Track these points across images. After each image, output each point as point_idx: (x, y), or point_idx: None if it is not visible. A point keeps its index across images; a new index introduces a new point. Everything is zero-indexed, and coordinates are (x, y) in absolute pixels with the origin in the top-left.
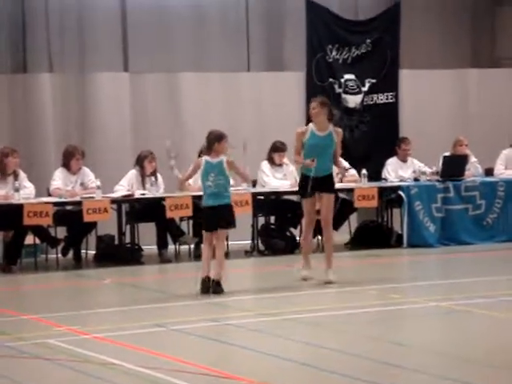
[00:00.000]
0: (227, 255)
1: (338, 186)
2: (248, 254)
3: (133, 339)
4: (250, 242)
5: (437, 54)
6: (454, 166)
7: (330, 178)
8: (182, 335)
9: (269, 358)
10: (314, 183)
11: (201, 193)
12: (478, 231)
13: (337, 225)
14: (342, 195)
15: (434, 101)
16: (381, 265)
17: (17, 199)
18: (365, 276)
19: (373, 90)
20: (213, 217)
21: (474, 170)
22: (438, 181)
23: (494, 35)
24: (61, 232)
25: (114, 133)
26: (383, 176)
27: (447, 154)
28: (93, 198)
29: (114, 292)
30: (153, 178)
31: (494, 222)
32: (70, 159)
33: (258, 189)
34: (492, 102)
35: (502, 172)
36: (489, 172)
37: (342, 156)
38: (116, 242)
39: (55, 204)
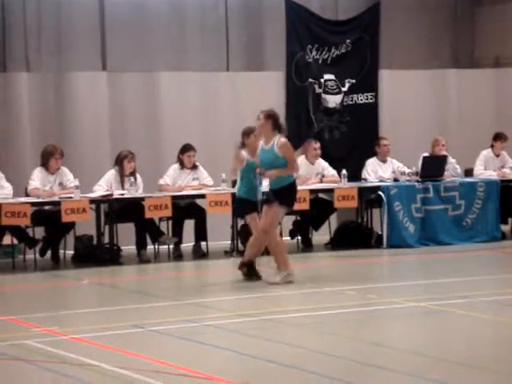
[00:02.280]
0: (206, 255)
1: (317, 186)
2: (228, 254)
3: (111, 340)
4: (229, 242)
5: (416, 55)
6: (433, 167)
7: (281, 191)
8: (160, 336)
9: (248, 359)
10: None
11: (180, 193)
12: (458, 231)
13: (317, 225)
14: (321, 195)
15: (414, 101)
16: (360, 265)
17: None
18: (344, 276)
19: (353, 90)
20: None
21: (452, 171)
22: (418, 181)
23: (473, 36)
24: (39, 232)
25: (92, 132)
26: (363, 176)
27: (426, 154)
28: (71, 198)
29: (93, 293)
30: (132, 178)
31: (474, 223)
32: (48, 159)
33: None
34: (471, 103)
35: (481, 172)
36: (468, 172)
37: (323, 156)
38: (95, 242)
39: (33, 204)
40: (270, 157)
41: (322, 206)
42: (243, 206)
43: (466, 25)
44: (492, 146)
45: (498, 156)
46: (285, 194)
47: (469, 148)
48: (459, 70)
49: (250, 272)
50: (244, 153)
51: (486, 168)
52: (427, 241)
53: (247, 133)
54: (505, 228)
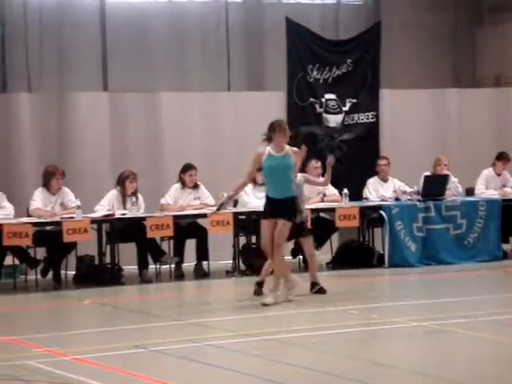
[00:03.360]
0: (208, 275)
1: (319, 205)
2: (229, 273)
3: (113, 360)
4: (231, 261)
5: (417, 74)
6: (434, 186)
7: (287, 201)
8: (162, 356)
9: (250, 379)
10: (272, 205)
11: (181, 212)
12: (459, 251)
13: (318, 244)
14: (323, 214)
15: (415, 120)
16: (362, 284)
17: None
18: (346, 296)
19: (354, 109)
20: None
21: (454, 190)
22: (419, 200)
23: (474, 55)
24: (40, 253)
25: (94, 152)
26: (364, 195)
27: (428, 173)
28: (73, 218)
29: (94, 313)
30: (133, 198)
31: (475, 242)
32: (50, 179)
33: (239, 208)
34: (472, 122)
35: (482, 191)
36: (470, 192)
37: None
38: (96, 262)
39: (35, 224)
40: (284, 164)
41: (323, 226)
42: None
43: (466, 44)
44: (493, 165)
45: (499, 175)
46: (290, 206)
47: (470, 167)
48: (460, 90)
49: (319, 290)
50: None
51: (488, 187)
52: (429, 260)
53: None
54: (506, 247)
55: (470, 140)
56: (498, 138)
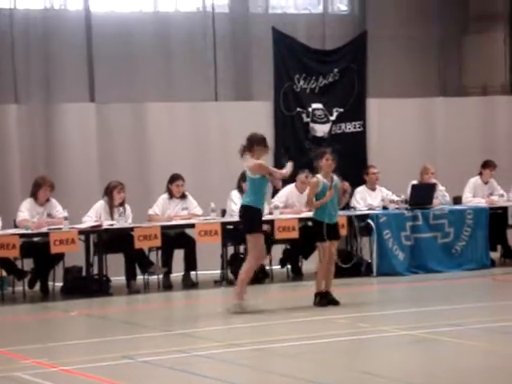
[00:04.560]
0: (196, 285)
1: (307, 214)
2: (217, 283)
3: (101, 371)
4: (219, 271)
5: (404, 83)
6: (422, 195)
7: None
8: (150, 367)
9: None
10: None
11: (169, 223)
12: (447, 259)
13: (307, 254)
14: (311, 224)
15: (402, 129)
16: (351, 293)
17: None
18: (333, 306)
19: (341, 119)
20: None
21: (441, 199)
22: (407, 209)
23: (460, 64)
24: (27, 264)
25: (81, 163)
26: (352, 205)
27: (415, 182)
28: (60, 229)
29: (82, 324)
30: (121, 209)
31: (463, 250)
32: (38, 190)
33: (227, 218)
34: (459, 131)
35: (469, 200)
36: (457, 200)
37: None
38: (84, 273)
39: (22, 236)
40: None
41: (311, 235)
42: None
43: (452, 53)
44: (480, 174)
45: (486, 183)
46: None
47: (457, 176)
48: (446, 99)
49: (329, 301)
50: (319, 177)
51: (475, 195)
52: (417, 269)
53: (321, 155)
54: (494, 255)
55: (457, 149)
56: (485, 147)
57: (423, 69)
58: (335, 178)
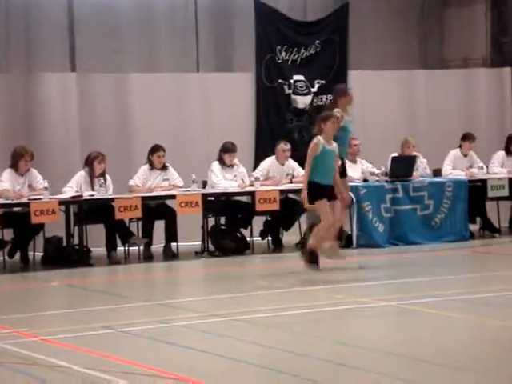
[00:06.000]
0: (177, 256)
1: (287, 186)
2: (198, 254)
3: (81, 341)
4: (200, 243)
5: (385, 55)
6: (402, 167)
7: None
8: (130, 337)
9: (218, 359)
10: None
11: (149, 194)
12: (427, 231)
13: (287, 225)
14: (291, 196)
15: (383, 102)
16: (331, 265)
17: None
18: (314, 276)
19: (322, 90)
20: None
21: (422, 171)
22: (387, 181)
23: (441, 36)
24: (8, 234)
25: (62, 134)
26: None
27: (395, 154)
28: (40, 199)
29: (62, 294)
30: (102, 179)
31: (442, 222)
32: (18, 160)
33: (208, 189)
34: (440, 103)
35: (449, 172)
36: (437, 173)
37: (292, 156)
38: (64, 243)
39: (2, 205)
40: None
41: (291, 207)
42: (318, 190)
43: (434, 26)
44: (460, 146)
45: (466, 156)
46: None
47: (437, 148)
48: (428, 71)
49: (311, 259)
50: (320, 138)
51: (455, 168)
52: (396, 240)
53: (325, 118)
54: (473, 227)
55: (438, 121)
56: (466, 119)
57: (404, 41)
58: (334, 144)
